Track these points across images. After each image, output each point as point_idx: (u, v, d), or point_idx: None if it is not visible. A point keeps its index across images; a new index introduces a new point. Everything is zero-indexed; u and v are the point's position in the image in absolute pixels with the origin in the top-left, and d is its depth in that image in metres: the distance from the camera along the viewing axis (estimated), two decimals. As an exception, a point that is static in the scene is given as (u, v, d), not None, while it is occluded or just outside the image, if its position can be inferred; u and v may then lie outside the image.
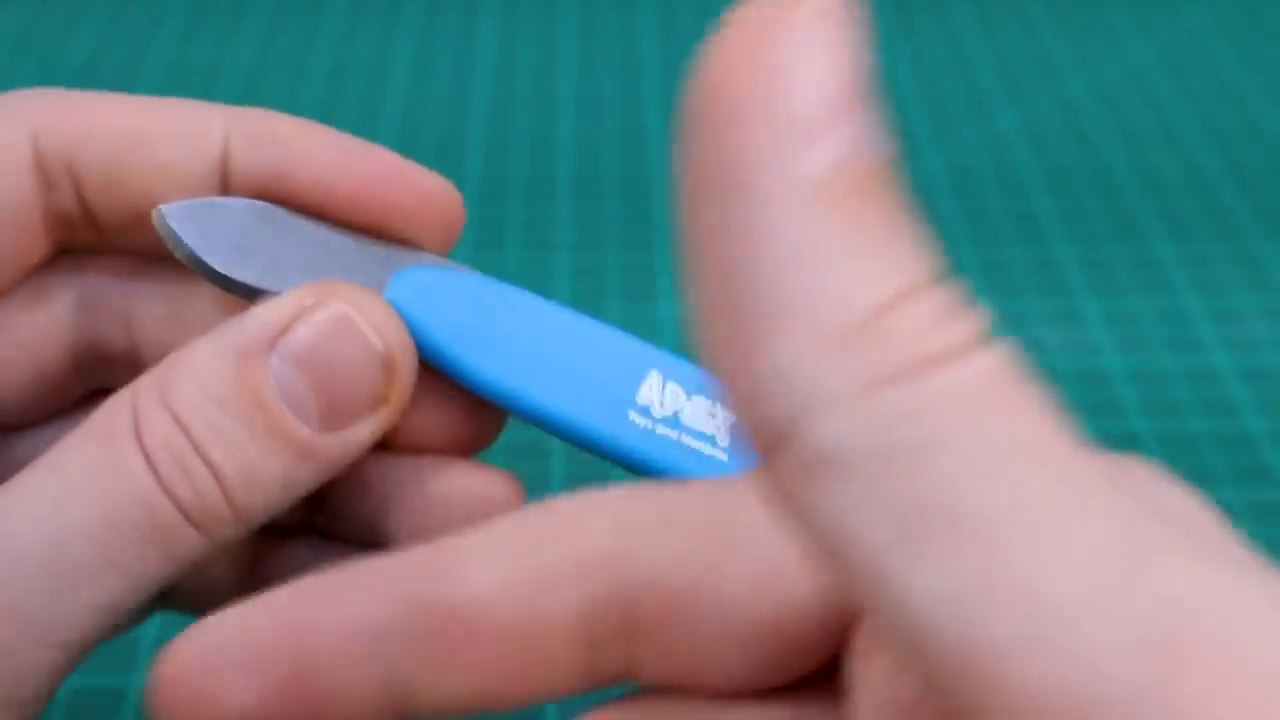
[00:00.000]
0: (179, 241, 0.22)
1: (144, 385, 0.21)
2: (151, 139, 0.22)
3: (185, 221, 0.22)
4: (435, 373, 0.23)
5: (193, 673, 0.17)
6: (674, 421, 0.22)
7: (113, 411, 0.20)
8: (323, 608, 0.17)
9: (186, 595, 0.25)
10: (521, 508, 0.19)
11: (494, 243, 0.44)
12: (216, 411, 0.20)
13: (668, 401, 0.22)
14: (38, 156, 0.22)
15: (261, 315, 0.21)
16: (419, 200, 0.23)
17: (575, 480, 0.36)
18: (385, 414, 0.21)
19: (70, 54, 0.54)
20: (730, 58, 0.13)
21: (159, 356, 0.23)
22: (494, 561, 0.17)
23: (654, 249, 0.44)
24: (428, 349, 0.22)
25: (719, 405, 0.22)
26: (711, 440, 0.22)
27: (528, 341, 0.22)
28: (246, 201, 0.22)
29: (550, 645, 0.17)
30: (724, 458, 0.22)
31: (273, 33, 0.56)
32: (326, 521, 0.24)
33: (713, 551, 0.16)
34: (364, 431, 0.21)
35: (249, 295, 0.22)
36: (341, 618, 0.17)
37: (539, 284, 0.42)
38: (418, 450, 0.23)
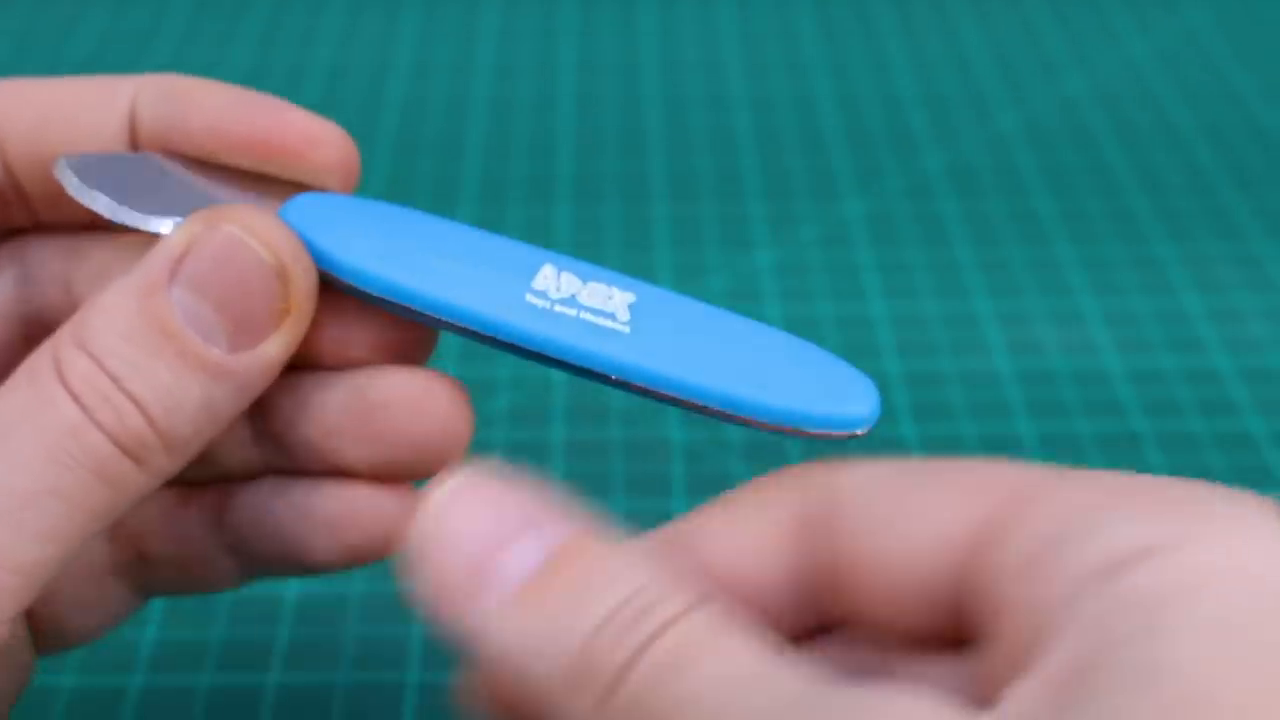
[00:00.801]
0: (73, 184, 0.23)
1: (62, 332, 0.22)
2: (70, 109, 0.24)
3: (81, 167, 0.23)
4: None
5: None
6: (571, 302, 0.22)
7: (35, 359, 0.21)
8: None
9: (160, 563, 0.25)
10: (466, 405, 0.24)
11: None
12: (127, 346, 0.21)
13: (564, 287, 0.23)
14: None
15: (159, 250, 0.22)
16: (307, 142, 0.24)
17: (575, 477, 0.36)
18: (291, 325, 0.22)
19: (70, 54, 0.54)
20: (417, 532, 0.20)
21: None
22: (736, 526, 0.21)
23: (654, 250, 0.44)
24: (322, 261, 0.23)
25: (615, 288, 0.23)
26: (611, 316, 0.22)
27: (421, 248, 0.23)
28: (141, 154, 0.24)
29: (775, 598, 0.20)
30: (625, 330, 0.22)
31: (273, 33, 0.56)
32: (284, 459, 0.25)
33: (904, 514, 0.20)
34: (275, 345, 0.22)
35: (147, 227, 0.23)
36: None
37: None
38: (352, 366, 0.24)
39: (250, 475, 0.25)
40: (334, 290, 0.23)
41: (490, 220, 0.45)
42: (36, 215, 0.25)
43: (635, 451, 0.37)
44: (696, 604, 0.18)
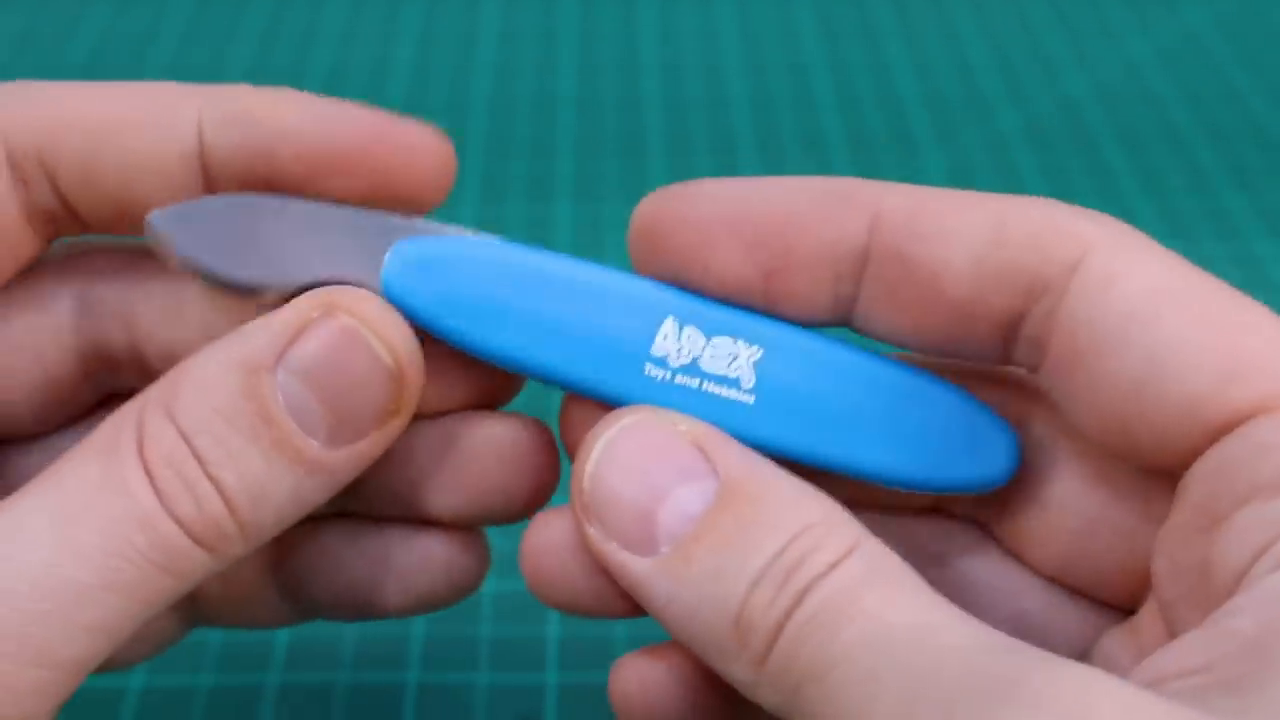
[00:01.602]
0: (171, 248, 0.21)
1: (150, 398, 0.20)
2: (123, 129, 0.22)
3: (174, 226, 0.21)
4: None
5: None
6: (693, 369, 0.21)
7: (116, 426, 0.20)
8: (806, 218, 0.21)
9: (211, 600, 0.25)
10: (551, 448, 0.23)
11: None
12: (222, 426, 0.20)
13: (685, 348, 0.21)
14: (9, 154, 0.22)
15: (267, 327, 0.20)
16: (408, 156, 0.22)
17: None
18: (395, 426, 0.21)
19: (70, 54, 0.54)
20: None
21: (160, 355, 0.23)
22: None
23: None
24: (431, 323, 0.21)
25: (740, 342, 0.21)
26: (735, 384, 0.21)
27: (533, 304, 0.21)
28: (232, 197, 0.22)
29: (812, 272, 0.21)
30: (749, 400, 0.21)
31: (273, 33, 0.56)
32: (358, 505, 0.24)
33: (946, 228, 0.20)
34: (373, 444, 0.21)
35: (249, 293, 0.22)
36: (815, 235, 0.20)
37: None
38: (440, 414, 0.23)
39: (315, 518, 0.24)
40: (430, 341, 0.22)
41: (490, 220, 0.45)
42: (90, 230, 0.23)
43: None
44: (852, 548, 0.18)
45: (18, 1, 0.57)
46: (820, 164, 0.48)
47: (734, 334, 0.21)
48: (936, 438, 0.21)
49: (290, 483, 0.20)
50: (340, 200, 0.22)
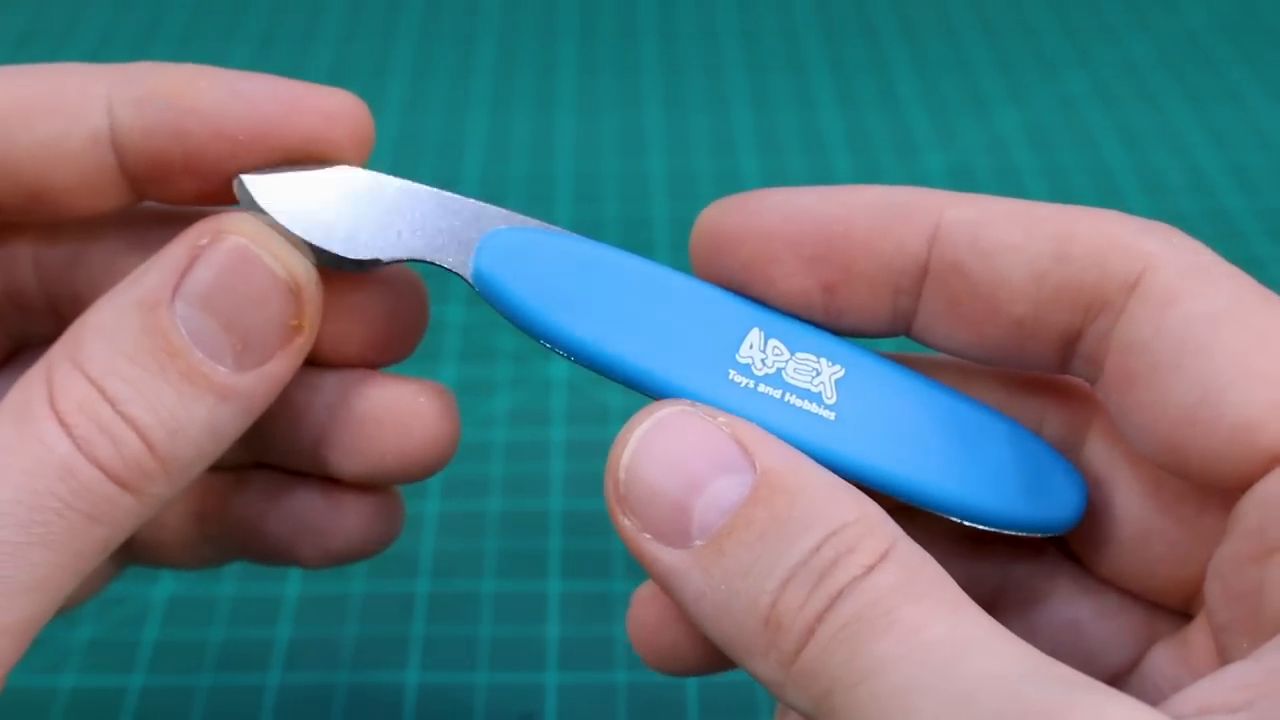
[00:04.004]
0: (260, 212, 0.21)
1: (56, 354, 0.20)
2: (30, 114, 0.21)
3: (267, 192, 0.21)
4: (341, 282, 0.22)
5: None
6: (777, 379, 0.21)
7: (25, 386, 0.20)
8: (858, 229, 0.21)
9: (139, 542, 0.25)
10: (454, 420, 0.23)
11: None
12: (129, 366, 0.20)
13: (770, 359, 0.21)
14: None
15: (158, 263, 0.20)
16: (325, 121, 0.22)
17: (574, 477, 0.36)
18: (300, 343, 0.21)
19: (70, 54, 0.54)
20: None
21: (69, 298, 0.23)
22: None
23: (654, 250, 0.44)
24: (518, 311, 0.21)
25: (824, 360, 0.21)
26: (818, 399, 0.21)
27: (621, 302, 0.21)
28: (328, 169, 0.22)
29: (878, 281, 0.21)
30: (830, 416, 0.21)
31: (273, 33, 0.56)
32: (272, 457, 0.24)
33: (1005, 240, 0.20)
34: (283, 363, 0.21)
35: (338, 266, 0.22)
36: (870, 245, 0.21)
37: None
38: (339, 363, 0.23)
39: (236, 468, 0.24)
40: (329, 285, 0.22)
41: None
42: (8, 216, 0.23)
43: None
44: (889, 551, 0.18)
45: (18, 1, 0.57)
46: (820, 164, 0.48)
47: (817, 352, 0.21)
48: (1008, 476, 0.21)
49: (204, 412, 0.20)
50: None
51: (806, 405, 0.21)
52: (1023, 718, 0.15)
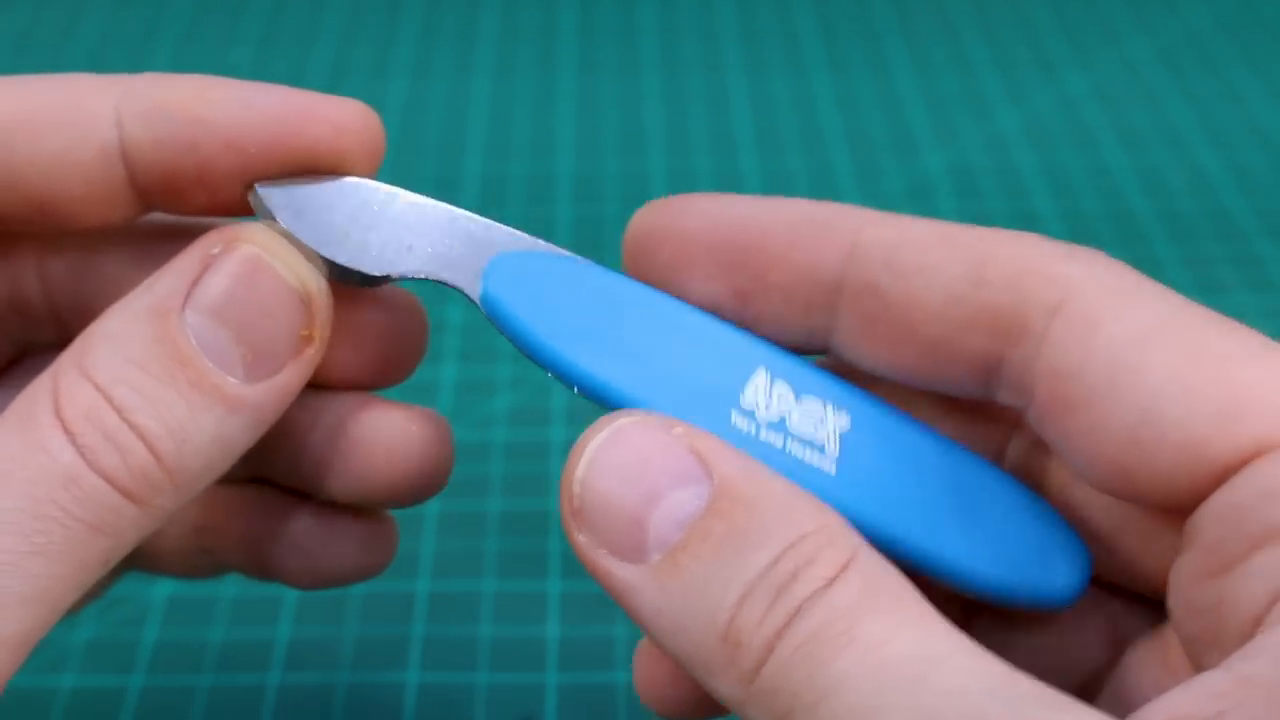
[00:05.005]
0: (274, 222, 0.21)
1: (63, 362, 0.20)
2: (37, 128, 0.21)
3: (282, 202, 0.21)
4: (342, 304, 0.22)
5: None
6: (780, 427, 0.21)
7: (31, 394, 0.20)
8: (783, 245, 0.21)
9: (141, 557, 0.25)
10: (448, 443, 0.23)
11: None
12: (137, 374, 0.19)
13: (775, 404, 0.21)
14: None
15: (170, 271, 0.20)
16: (336, 132, 0.21)
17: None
18: (311, 354, 0.21)
19: (70, 54, 0.54)
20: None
21: (73, 308, 0.23)
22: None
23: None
24: (524, 336, 0.21)
25: (829, 407, 0.21)
26: (821, 449, 0.20)
27: (628, 334, 0.21)
28: (342, 181, 0.22)
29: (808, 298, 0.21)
30: (831, 470, 0.20)
31: (273, 33, 0.56)
32: (271, 475, 0.24)
33: (923, 263, 0.20)
34: (293, 375, 0.21)
35: (346, 279, 0.21)
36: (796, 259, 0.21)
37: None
38: (337, 386, 0.23)
39: (235, 482, 0.24)
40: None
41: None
42: (11, 228, 0.22)
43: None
44: (849, 562, 0.17)
45: (18, 1, 0.57)
46: (821, 163, 0.48)
47: (823, 397, 0.21)
48: (1011, 545, 0.20)
49: (212, 423, 0.20)
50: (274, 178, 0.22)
51: (808, 456, 0.20)
52: None
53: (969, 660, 0.16)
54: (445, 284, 0.22)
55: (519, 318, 0.21)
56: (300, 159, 0.21)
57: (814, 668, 0.17)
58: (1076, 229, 0.45)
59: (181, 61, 0.54)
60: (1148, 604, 0.21)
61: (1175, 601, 0.19)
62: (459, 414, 0.37)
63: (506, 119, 0.51)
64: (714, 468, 0.19)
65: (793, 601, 0.17)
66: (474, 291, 0.21)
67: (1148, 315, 0.19)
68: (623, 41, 0.56)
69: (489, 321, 0.21)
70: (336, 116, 0.21)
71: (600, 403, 0.21)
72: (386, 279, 0.22)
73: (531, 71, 0.54)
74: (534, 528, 0.35)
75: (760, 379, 0.21)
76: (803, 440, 0.20)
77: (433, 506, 0.35)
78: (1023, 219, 0.46)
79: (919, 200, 0.46)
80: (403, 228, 0.22)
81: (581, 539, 0.19)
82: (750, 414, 0.21)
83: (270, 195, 0.21)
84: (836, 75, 0.54)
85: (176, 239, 0.22)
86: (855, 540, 0.18)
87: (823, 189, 0.47)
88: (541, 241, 0.22)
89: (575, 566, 0.34)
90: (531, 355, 0.21)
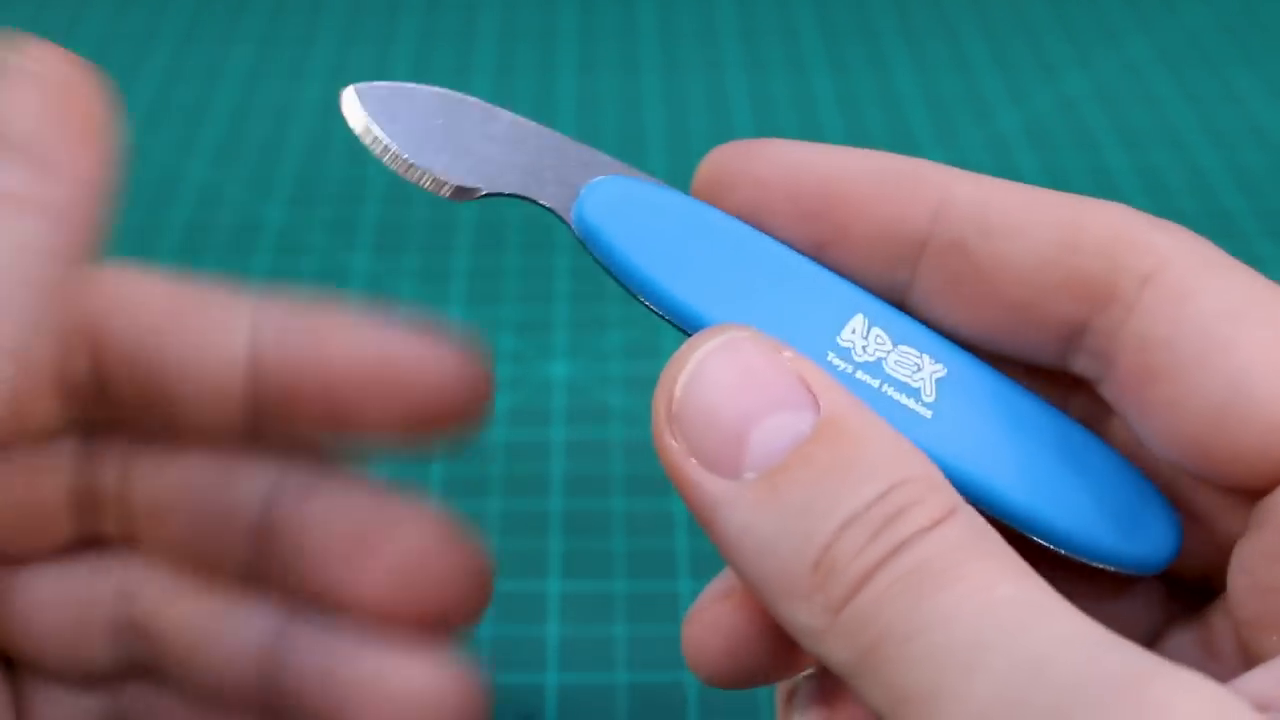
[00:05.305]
0: (369, 127, 0.21)
1: None
2: (179, 328, 0.21)
3: (377, 107, 0.21)
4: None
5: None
6: (876, 369, 0.20)
7: None
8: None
9: None
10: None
11: (493, 244, 0.44)
12: None
13: (871, 346, 0.20)
14: (64, 320, 0.21)
15: None
16: (445, 391, 0.21)
17: (575, 477, 0.36)
18: None
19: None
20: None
21: (146, 506, 0.22)
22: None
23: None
24: (618, 263, 0.21)
25: (926, 356, 0.20)
26: (916, 394, 0.20)
27: (725, 268, 0.20)
28: (438, 90, 0.22)
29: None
30: (927, 414, 0.20)
31: (273, 33, 0.56)
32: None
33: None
34: None
35: (439, 188, 0.21)
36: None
37: (541, 285, 0.42)
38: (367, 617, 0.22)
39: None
40: None
41: (491, 219, 0.45)
42: (106, 415, 0.22)
43: (635, 452, 0.37)
44: (954, 510, 0.17)
45: (18, 2, 0.57)
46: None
47: (920, 348, 0.20)
48: (1105, 505, 0.20)
49: None
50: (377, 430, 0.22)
51: (904, 399, 0.20)
52: (1101, 682, 0.15)
53: (1075, 614, 0.16)
54: (538, 203, 0.21)
55: (614, 242, 0.21)
56: (408, 407, 0.21)
57: (914, 601, 0.16)
58: (1076, 229, 0.45)
59: (181, 62, 0.54)
60: (1190, 587, 0.21)
61: (1237, 581, 0.19)
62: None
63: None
64: (822, 397, 0.18)
65: (896, 537, 0.17)
66: (567, 213, 0.21)
67: (1241, 292, 0.19)
68: (623, 41, 0.56)
69: (584, 247, 0.21)
70: (451, 369, 0.21)
71: (692, 332, 0.20)
72: (476, 191, 0.21)
73: (531, 71, 0.54)
74: (535, 528, 0.35)
75: (858, 322, 0.20)
76: (899, 384, 0.20)
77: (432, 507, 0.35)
78: (1023, 219, 0.46)
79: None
80: (501, 143, 0.21)
81: (673, 446, 0.18)
82: (847, 353, 0.20)
83: (366, 96, 0.21)
84: (836, 75, 0.54)
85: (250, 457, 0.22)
86: (957, 496, 0.17)
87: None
88: (640, 171, 0.22)
89: (575, 567, 0.34)
90: (624, 280, 0.21)
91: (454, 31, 0.56)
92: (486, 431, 0.37)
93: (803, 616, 0.17)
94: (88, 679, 0.23)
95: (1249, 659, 0.19)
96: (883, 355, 0.20)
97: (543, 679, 0.31)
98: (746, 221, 0.21)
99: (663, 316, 0.21)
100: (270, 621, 0.22)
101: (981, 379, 0.20)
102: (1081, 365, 0.20)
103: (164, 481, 0.23)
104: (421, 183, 0.21)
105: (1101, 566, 0.20)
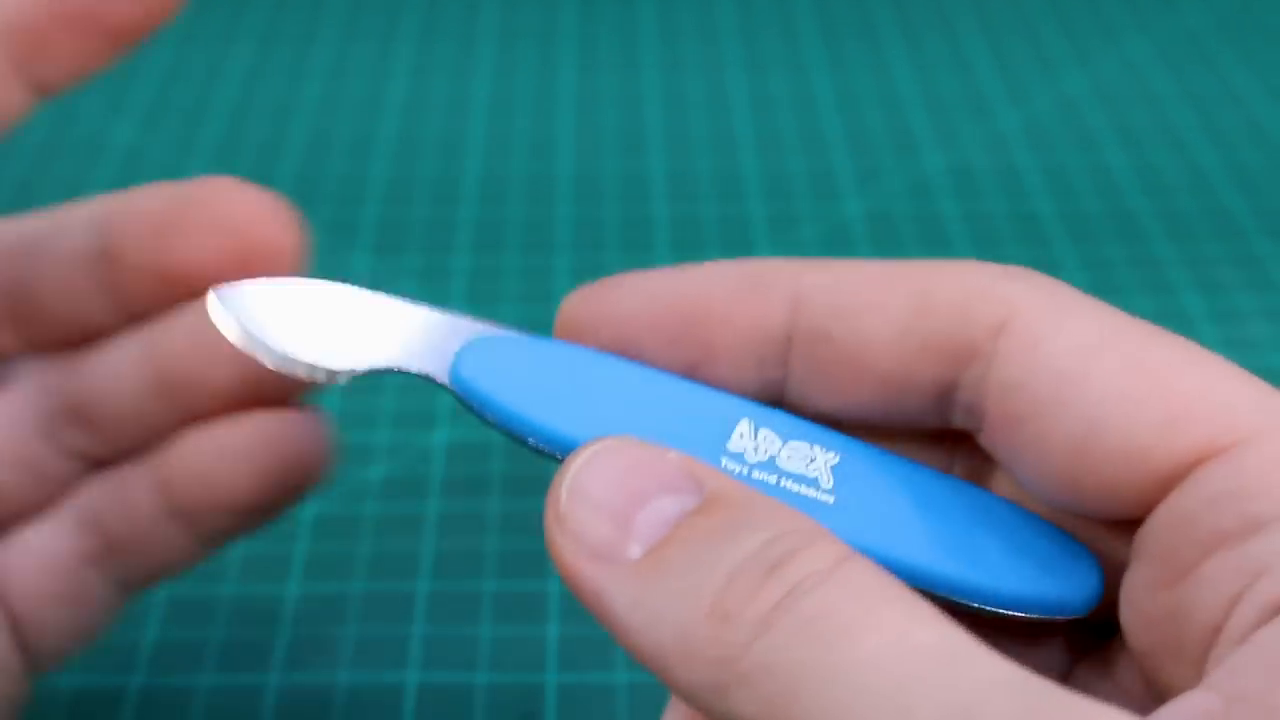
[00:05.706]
0: (233, 328, 0.22)
1: None
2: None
3: (237, 307, 0.22)
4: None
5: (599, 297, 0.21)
6: (771, 466, 0.21)
7: None
8: (720, 302, 0.21)
9: (124, 549, 0.26)
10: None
11: (493, 244, 0.44)
12: None
13: (762, 447, 0.21)
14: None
15: None
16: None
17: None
18: None
19: (70, 54, 0.54)
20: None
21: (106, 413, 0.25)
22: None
23: (654, 250, 0.44)
24: (501, 415, 0.21)
25: (817, 447, 0.21)
26: (815, 484, 0.20)
27: (604, 398, 0.21)
28: (297, 280, 0.22)
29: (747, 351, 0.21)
30: (830, 500, 0.20)
31: (273, 33, 0.56)
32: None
33: (870, 304, 0.20)
34: None
35: (313, 375, 0.22)
36: (739, 317, 0.21)
37: (541, 285, 0.42)
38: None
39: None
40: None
41: (490, 220, 0.45)
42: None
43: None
44: (848, 557, 0.17)
45: (17, 1, 0.57)
46: (820, 164, 0.48)
47: (809, 440, 0.21)
48: (1022, 555, 0.20)
49: None
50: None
51: (804, 490, 0.20)
52: None
53: (994, 658, 0.16)
54: (412, 374, 0.22)
55: (493, 395, 0.21)
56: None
57: (823, 649, 0.16)
58: (1076, 229, 0.45)
59: (182, 62, 0.54)
60: (1092, 626, 0.21)
61: (1128, 615, 0.19)
62: (460, 413, 0.37)
63: (506, 119, 0.51)
64: (706, 482, 0.18)
65: (788, 579, 0.16)
66: (445, 377, 0.22)
67: (1090, 329, 0.19)
68: (623, 41, 0.56)
69: (465, 407, 0.22)
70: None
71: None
72: (351, 374, 0.22)
73: (531, 71, 0.54)
74: (534, 528, 0.35)
75: (744, 427, 0.21)
76: (796, 476, 0.21)
77: (433, 506, 0.35)
78: (1023, 219, 0.46)
79: (919, 200, 0.46)
80: (365, 324, 0.22)
81: (562, 544, 0.18)
82: (739, 457, 0.21)
83: (228, 299, 0.22)
84: (836, 75, 0.54)
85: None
86: (846, 546, 0.17)
87: (823, 189, 0.47)
88: (510, 328, 0.22)
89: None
90: (511, 430, 0.21)
91: (454, 31, 0.57)
92: (487, 431, 0.37)
93: (700, 675, 0.16)
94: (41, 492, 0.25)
95: (1157, 693, 0.18)
96: (774, 453, 0.21)
97: (543, 679, 0.31)
98: (618, 355, 0.21)
99: (551, 455, 0.21)
100: None
101: (875, 460, 0.21)
102: (960, 420, 0.20)
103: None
104: (296, 373, 0.22)
105: (1032, 618, 0.20)
